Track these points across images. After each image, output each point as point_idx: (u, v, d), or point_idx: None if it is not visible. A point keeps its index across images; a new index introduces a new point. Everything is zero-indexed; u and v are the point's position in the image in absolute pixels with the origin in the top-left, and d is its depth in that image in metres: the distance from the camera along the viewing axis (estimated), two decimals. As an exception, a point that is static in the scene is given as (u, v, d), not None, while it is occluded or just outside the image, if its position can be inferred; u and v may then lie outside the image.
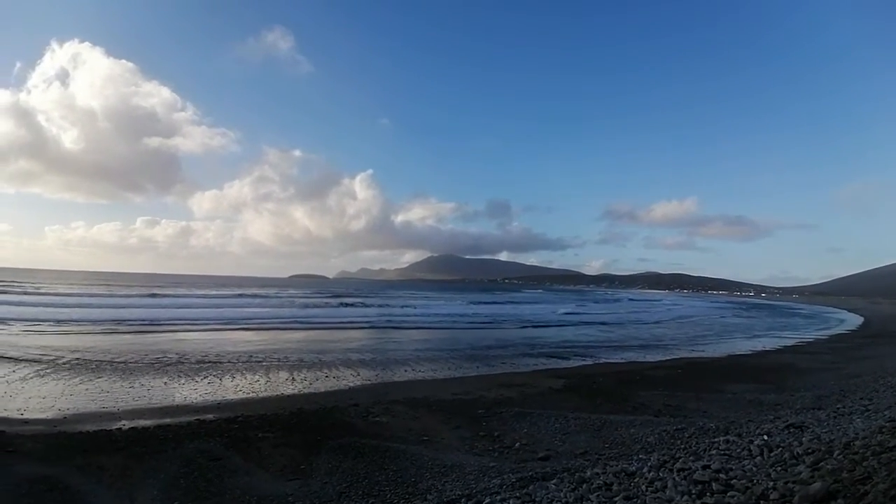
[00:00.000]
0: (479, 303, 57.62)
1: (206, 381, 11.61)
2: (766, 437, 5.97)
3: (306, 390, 11.12)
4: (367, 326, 27.31)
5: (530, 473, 5.60)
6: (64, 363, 12.87)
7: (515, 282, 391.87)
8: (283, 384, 11.63)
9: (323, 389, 11.26)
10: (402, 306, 46.42)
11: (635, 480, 4.69)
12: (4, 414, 8.33)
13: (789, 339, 26.66)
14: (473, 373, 13.82)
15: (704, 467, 4.76)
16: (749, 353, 20.10)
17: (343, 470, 6.13)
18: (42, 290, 49.12)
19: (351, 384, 11.92)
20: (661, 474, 4.74)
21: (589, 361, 16.40)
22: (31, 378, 10.99)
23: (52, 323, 22.47)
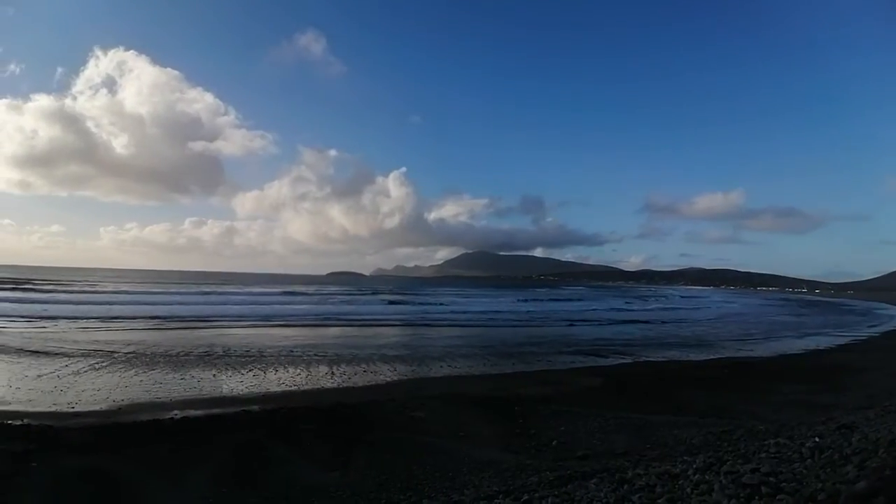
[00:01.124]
0: (515, 299, 57.20)
1: (250, 373, 12.10)
2: (817, 440, 5.66)
3: (345, 384, 11.40)
4: (403, 323, 27.66)
5: (568, 472, 5.52)
6: (120, 357, 13.72)
7: (551, 278, 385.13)
8: (323, 378, 11.96)
9: (361, 384, 11.50)
10: (437, 303, 46.73)
11: (680, 483, 4.50)
12: (54, 408, 8.71)
13: (842, 337, 25.25)
14: (509, 370, 13.74)
15: (753, 470, 4.51)
16: (801, 352, 19.17)
17: (381, 463, 6.25)
18: (98, 289, 52.55)
19: (388, 379, 12.12)
20: (707, 477, 4.53)
21: (628, 360, 15.97)
22: (86, 372, 11.74)
23: (107, 319, 24.03)
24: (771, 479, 4.19)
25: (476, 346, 18.51)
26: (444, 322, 28.47)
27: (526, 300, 56.80)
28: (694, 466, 5.01)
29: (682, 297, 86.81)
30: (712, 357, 16.98)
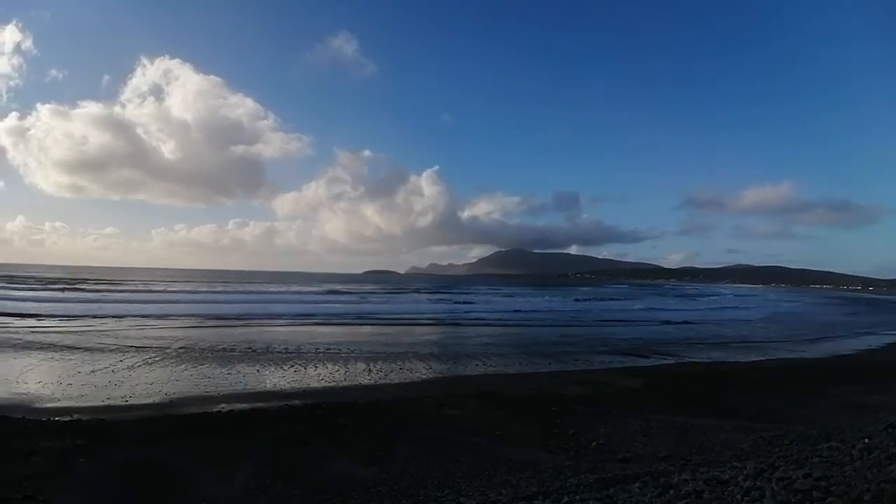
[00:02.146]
0: (550, 298, 56.40)
1: (292, 369, 12.49)
2: (867, 440, 5.55)
3: (382, 381, 11.57)
4: (438, 321, 27.83)
5: (609, 475, 5.39)
6: (171, 352, 14.47)
7: (587, 276, 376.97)
8: (361, 374, 12.19)
9: (397, 381, 11.65)
10: (471, 301, 46.71)
11: (729, 489, 4.32)
12: (107, 402, 9.16)
13: (893, 336, 23.98)
14: (546, 369, 13.57)
15: (806, 476, 4.36)
16: (852, 352, 18.27)
17: (419, 459, 6.31)
18: (150, 288, 55.60)
19: (423, 376, 12.23)
20: (758, 483, 4.35)
21: (671, 361, 15.43)
22: (139, 366, 12.40)
23: (159, 317, 25.41)
24: (822, 483, 4.15)
25: (511, 344, 18.39)
26: (479, 321, 28.43)
27: (562, 298, 55.91)
28: (745, 472, 4.81)
29: (728, 295, 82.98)
30: (762, 358, 16.23)
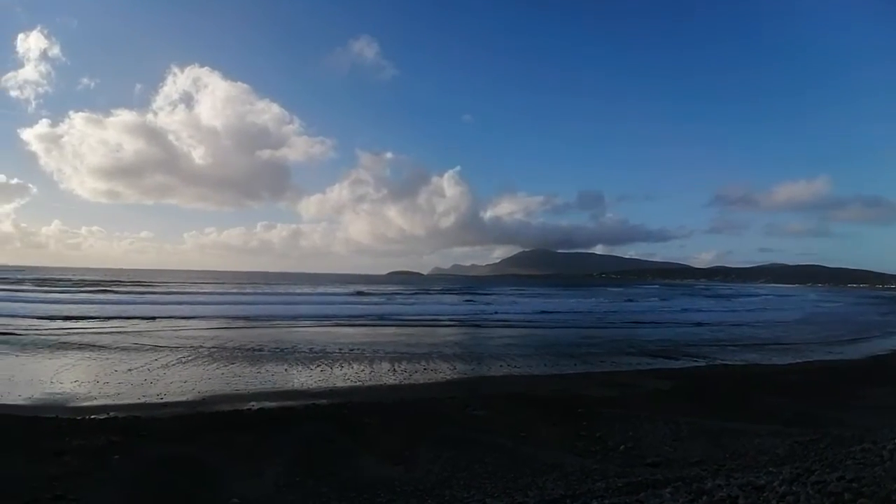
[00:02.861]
0: (575, 298, 55.66)
1: (318, 369, 12.70)
2: None
3: (406, 381, 11.65)
4: (461, 322, 27.81)
5: (639, 479, 5.27)
6: (203, 352, 14.92)
7: (613, 276, 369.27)
8: (385, 375, 12.30)
9: (422, 381, 11.70)
10: (495, 302, 46.51)
11: (764, 495, 4.22)
12: (143, 400, 9.48)
13: None
14: (571, 370, 13.39)
15: (839, 478, 4.37)
16: (888, 352, 17.64)
17: (444, 459, 6.31)
18: (183, 290, 57.48)
19: (447, 377, 12.24)
20: (794, 488, 4.29)
21: (702, 363, 14.99)
22: (174, 365, 12.82)
23: (191, 318, 26.26)
24: (854, 484, 4.19)
25: (536, 345, 18.23)
26: (502, 322, 28.29)
27: (587, 299, 55.10)
28: (780, 478, 4.72)
29: (762, 295, 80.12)
30: (798, 360, 15.64)
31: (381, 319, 27.67)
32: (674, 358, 15.71)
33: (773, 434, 7.40)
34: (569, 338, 20.90)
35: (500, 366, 13.86)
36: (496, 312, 34.59)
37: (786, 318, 34.46)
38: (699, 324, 28.73)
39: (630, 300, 56.31)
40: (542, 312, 34.87)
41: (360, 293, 56.08)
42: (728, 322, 30.35)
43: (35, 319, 22.77)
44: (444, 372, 12.84)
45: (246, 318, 26.25)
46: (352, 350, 15.81)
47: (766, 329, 26.50)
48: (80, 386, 10.49)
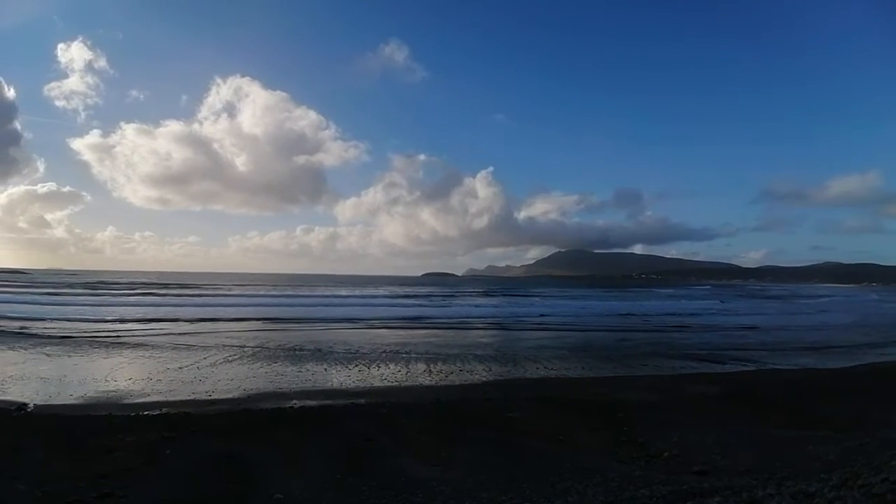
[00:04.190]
0: (613, 299, 54.25)
1: (356, 369, 12.96)
2: None
3: (442, 382, 11.70)
4: (497, 324, 27.68)
5: (685, 488, 5.06)
6: (247, 351, 15.52)
7: (654, 277, 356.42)
8: (421, 376, 12.40)
9: (458, 382, 11.72)
10: (530, 304, 45.99)
11: (815, 501, 4.19)
12: (193, 397, 9.97)
13: None
14: (610, 373, 13.07)
15: (883, 480, 4.27)
16: None
17: (481, 461, 6.29)
18: (229, 292, 59.96)
19: (483, 378, 12.20)
20: (841, 493, 4.25)
21: (751, 367, 14.28)
22: (221, 364, 13.41)
23: (237, 319, 27.36)
24: None
25: (573, 347, 17.88)
26: (538, 323, 27.91)
27: (626, 300, 53.58)
28: (830, 484, 4.61)
29: (820, 296, 75.28)
30: (852, 364, 14.73)
31: (417, 321, 27.90)
32: (721, 362, 15.03)
33: (825, 440, 7.01)
34: (607, 340, 20.38)
35: (537, 368, 13.69)
36: (531, 314, 34.17)
37: (842, 321, 32.25)
38: (751, 327, 27.26)
39: (673, 300, 54.31)
40: (579, 313, 34.19)
41: (395, 295, 56.80)
42: (783, 325, 28.71)
43: (89, 322, 24.25)
44: (479, 373, 12.81)
45: (286, 319, 27.11)
46: (388, 351, 16.03)
47: (819, 332, 24.90)
48: (133, 384, 11.12)
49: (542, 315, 32.96)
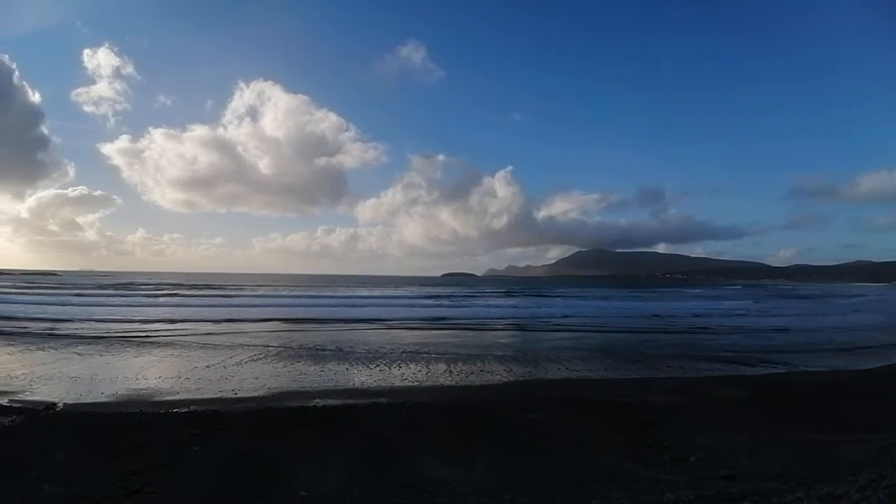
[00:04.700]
0: (635, 299, 53.26)
1: (377, 369, 13.07)
2: None
3: (462, 383, 11.69)
4: (517, 325, 27.50)
5: (712, 493, 4.94)
6: (271, 350, 15.83)
7: (678, 276, 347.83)
8: (442, 376, 12.42)
9: (478, 383, 11.69)
10: (551, 304, 45.56)
11: (841, 503, 4.33)
12: (220, 395, 10.19)
13: None
14: (634, 375, 12.84)
15: None
16: None
17: (502, 462, 6.26)
18: (253, 293, 61.21)
19: (504, 379, 12.15)
20: (866, 494, 4.41)
21: (782, 370, 13.83)
22: (246, 363, 13.70)
23: (261, 320, 27.90)
24: None
25: (595, 348, 17.63)
26: (560, 324, 27.63)
27: (650, 300, 52.56)
28: (856, 485, 4.69)
29: (855, 296, 72.37)
30: (886, 364, 14.25)
31: (437, 321, 27.95)
32: (751, 364, 14.60)
33: (854, 442, 6.80)
34: (631, 341, 20.04)
35: (558, 369, 13.55)
36: (552, 314, 33.85)
37: (877, 321, 30.90)
38: (783, 329, 26.35)
39: (699, 300, 53.02)
40: (599, 316, 33.66)
41: (415, 295, 57.04)
42: (815, 327, 27.67)
43: (119, 323, 25.10)
44: (499, 374, 12.75)
45: (308, 319, 27.54)
46: (408, 351, 16.11)
47: (854, 333, 23.90)
48: (163, 382, 11.43)
49: (563, 315, 32.61)
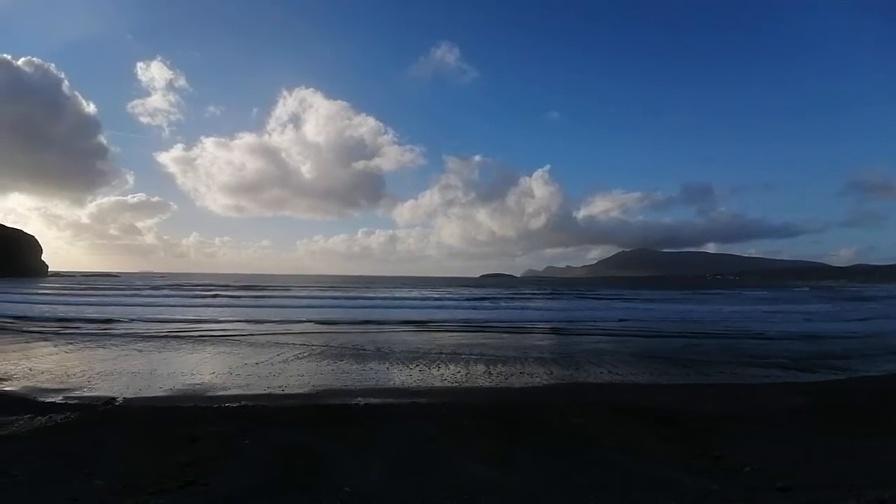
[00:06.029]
0: (685, 302, 51.07)
1: (417, 369, 13.22)
2: None
3: (502, 384, 11.63)
4: (558, 327, 27.05)
5: (768, 505, 4.70)
6: (315, 349, 16.34)
7: (731, 278, 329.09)
8: (481, 377, 12.40)
9: (518, 385, 11.59)
10: (594, 307, 44.44)
11: None
12: (268, 390, 10.61)
13: None
14: (682, 380, 12.33)
15: None
16: None
17: (543, 466, 6.17)
18: (298, 294, 63.30)
19: (544, 382, 11.98)
20: None
21: (842, 376, 12.91)
22: (292, 361, 14.21)
23: (304, 320, 28.79)
24: None
25: (641, 352, 17.06)
26: (602, 327, 26.89)
27: (699, 303, 50.24)
28: None
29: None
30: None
31: (475, 323, 27.92)
32: (810, 370, 13.70)
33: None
34: (678, 345, 19.23)
35: (601, 372, 13.21)
36: (594, 316, 33.00)
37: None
38: (848, 335, 24.55)
39: (754, 303, 50.20)
40: (643, 319, 32.44)
41: (453, 297, 57.18)
42: (882, 330, 25.60)
43: (175, 322, 26.56)
44: (540, 376, 12.59)
45: (349, 320, 28.22)
46: (447, 352, 16.19)
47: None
48: (216, 377, 12.04)
49: (604, 319, 31.62)
